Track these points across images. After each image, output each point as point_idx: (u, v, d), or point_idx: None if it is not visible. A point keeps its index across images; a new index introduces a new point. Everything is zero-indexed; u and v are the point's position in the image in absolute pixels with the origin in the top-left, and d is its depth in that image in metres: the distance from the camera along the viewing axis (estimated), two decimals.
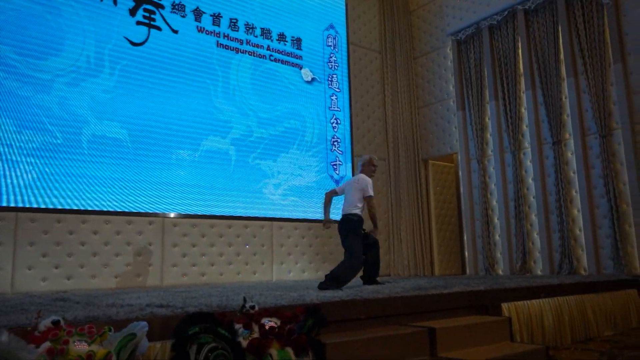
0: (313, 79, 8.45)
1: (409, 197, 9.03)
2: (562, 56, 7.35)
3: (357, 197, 4.98)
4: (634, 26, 6.70)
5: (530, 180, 7.67)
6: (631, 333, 4.78)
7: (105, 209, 6.04)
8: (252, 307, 2.52)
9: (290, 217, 7.70)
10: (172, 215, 6.54)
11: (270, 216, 7.48)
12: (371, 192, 4.97)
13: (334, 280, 4.52)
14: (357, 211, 4.96)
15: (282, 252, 7.53)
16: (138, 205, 6.29)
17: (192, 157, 6.86)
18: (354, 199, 4.99)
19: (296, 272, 7.61)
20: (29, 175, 5.63)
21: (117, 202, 6.12)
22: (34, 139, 5.70)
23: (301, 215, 7.84)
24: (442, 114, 9.20)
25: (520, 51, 7.92)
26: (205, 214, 6.83)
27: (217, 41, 7.34)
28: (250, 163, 7.41)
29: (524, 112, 7.82)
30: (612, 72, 6.83)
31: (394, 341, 3.00)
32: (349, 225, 4.94)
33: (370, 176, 5.18)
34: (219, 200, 6.99)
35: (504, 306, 3.89)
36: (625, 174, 6.65)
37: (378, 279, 5.37)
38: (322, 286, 4.44)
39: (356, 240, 4.86)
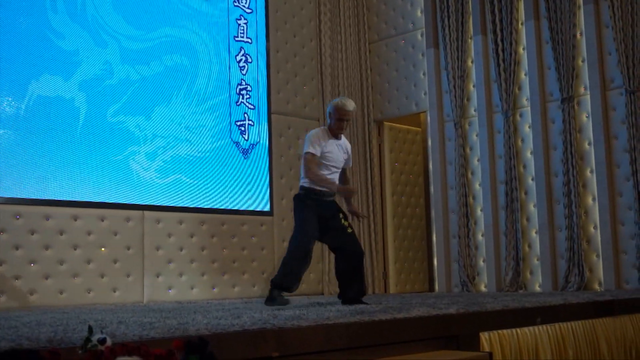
0: None
1: (352, 176, 9.13)
2: None
3: (303, 165, 5.41)
4: None
5: (528, 154, 7.97)
6: None
7: None
8: (102, 341, 2.49)
9: (173, 204, 7.69)
10: None
11: (141, 203, 7.46)
12: (307, 148, 5.27)
13: (275, 287, 4.94)
14: (303, 183, 5.37)
15: (159, 258, 7.50)
16: None
17: (15, 108, 6.71)
18: (301, 168, 5.44)
19: (180, 289, 7.61)
20: None
21: None
22: None
23: (190, 203, 7.83)
24: (405, 52, 9.33)
25: None
26: (36, 198, 6.74)
27: None
28: (110, 120, 7.34)
29: (523, 53, 8.09)
30: None
31: None
32: (294, 204, 5.43)
33: (334, 134, 5.40)
34: (58, 177, 6.89)
35: (484, 337, 4.03)
36: None
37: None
38: (267, 302, 4.89)
39: (299, 217, 5.27)
